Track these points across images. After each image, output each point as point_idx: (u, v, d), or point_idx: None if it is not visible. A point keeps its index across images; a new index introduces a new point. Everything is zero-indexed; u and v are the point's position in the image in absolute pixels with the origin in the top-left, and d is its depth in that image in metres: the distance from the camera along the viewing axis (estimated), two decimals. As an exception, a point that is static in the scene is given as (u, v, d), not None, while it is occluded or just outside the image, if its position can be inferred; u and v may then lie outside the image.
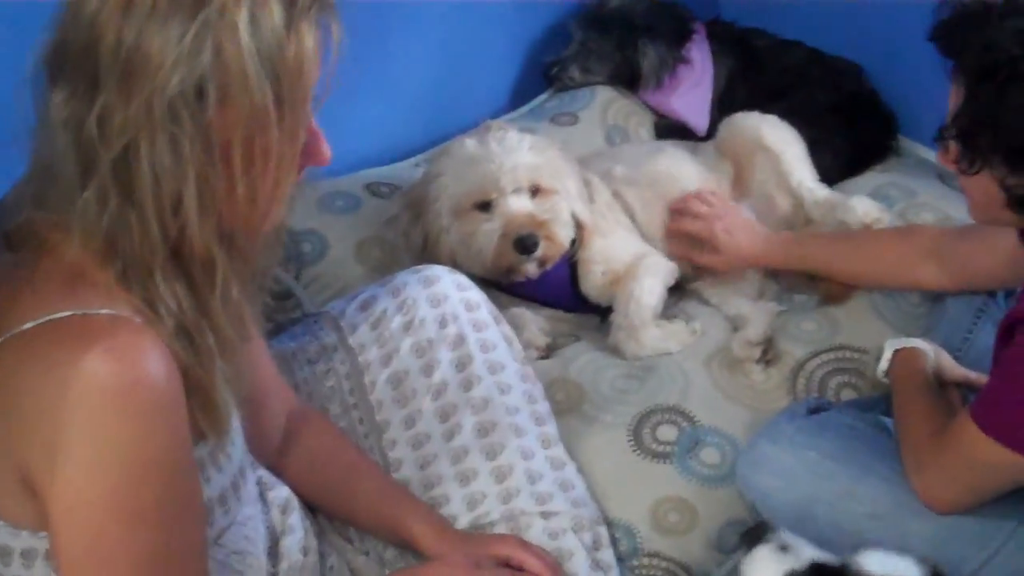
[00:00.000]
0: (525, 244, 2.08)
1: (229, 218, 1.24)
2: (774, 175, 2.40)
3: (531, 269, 2.13)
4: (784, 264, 2.27)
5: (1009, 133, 1.49)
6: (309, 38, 1.20)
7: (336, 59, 1.25)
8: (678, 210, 2.33)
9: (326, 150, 1.33)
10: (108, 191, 1.17)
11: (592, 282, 2.25)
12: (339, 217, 2.34)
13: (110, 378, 1.13)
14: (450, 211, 2.13)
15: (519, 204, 2.10)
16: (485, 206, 2.11)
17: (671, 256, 2.30)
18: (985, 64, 1.49)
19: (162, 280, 1.20)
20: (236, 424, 1.46)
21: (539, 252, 2.10)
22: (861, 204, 2.33)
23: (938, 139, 1.62)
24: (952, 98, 1.58)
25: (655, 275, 2.22)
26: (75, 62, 1.17)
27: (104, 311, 1.18)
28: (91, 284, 1.20)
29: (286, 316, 2.18)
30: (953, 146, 1.57)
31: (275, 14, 1.17)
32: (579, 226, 2.21)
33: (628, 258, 2.25)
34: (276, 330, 2.05)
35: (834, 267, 2.20)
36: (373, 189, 2.42)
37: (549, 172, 2.15)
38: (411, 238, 2.22)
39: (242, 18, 1.15)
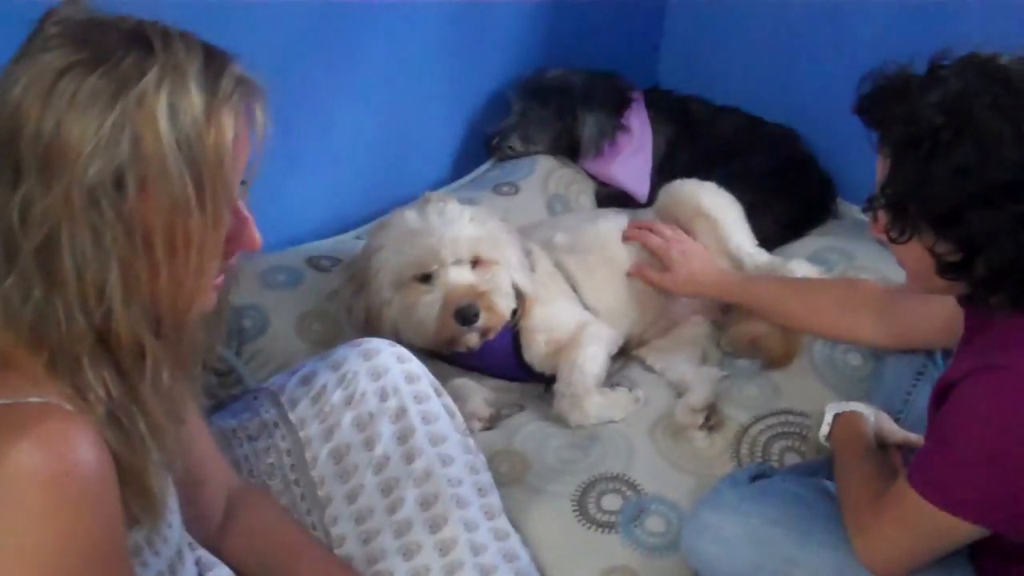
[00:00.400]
0: (465, 315, 2.07)
1: (156, 304, 1.24)
2: (714, 241, 2.42)
3: (473, 340, 2.13)
4: (730, 296, 2.30)
5: (935, 201, 1.50)
6: (229, 126, 1.20)
7: (261, 143, 1.26)
8: (640, 224, 2.38)
9: (255, 236, 1.32)
10: (31, 280, 1.16)
11: (535, 351, 2.25)
12: (280, 292, 2.32)
13: (40, 469, 1.12)
14: (391, 284, 2.13)
15: (459, 275, 2.10)
16: (426, 278, 2.11)
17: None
18: (909, 135, 1.51)
19: (90, 368, 1.19)
20: (173, 505, 1.44)
21: (480, 323, 2.09)
22: (800, 268, 2.38)
23: (867, 209, 1.64)
24: (879, 168, 1.60)
25: (598, 343, 2.23)
26: None
27: (33, 399, 1.17)
28: (19, 371, 1.19)
29: (227, 392, 2.16)
30: (882, 215, 1.59)
31: (195, 102, 1.17)
32: (520, 296, 2.21)
33: (571, 326, 2.25)
34: (216, 407, 2.03)
35: (779, 307, 2.21)
36: (314, 263, 2.41)
37: (489, 243, 2.15)
38: (353, 311, 2.21)
39: (160, 107, 1.15)
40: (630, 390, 2.23)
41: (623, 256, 2.40)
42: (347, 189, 2.67)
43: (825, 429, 1.96)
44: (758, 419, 2.17)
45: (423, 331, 2.11)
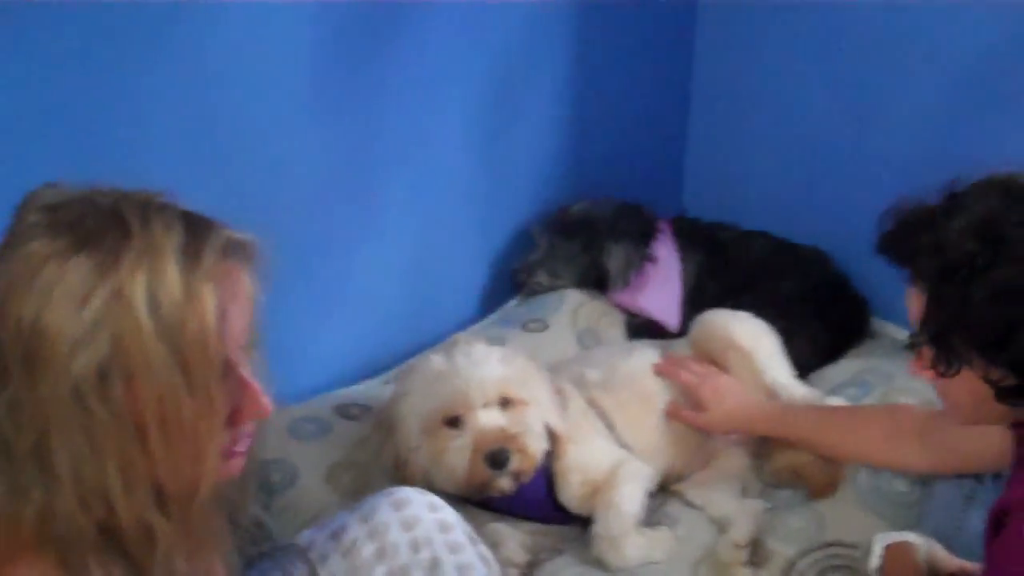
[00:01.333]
0: (497, 459, 2.02)
1: (160, 489, 1.20)
2: (749, 374, 2.37)
3: (506, 484, 2.07)
4: (769, 430, 2.25)
5: (981, 328, 1.46)
6: (211, 306, 1.18)
7: (257, 303, 1.26)
8: (673, 360, 2.34)
9: (264, 404, 1.30)
10: (30, 483, 1.14)
11: (570, 492, 2.19)
12: (309, 443, 2.28)
13: None
14: (419, 430, 2.08)
15: (489, 418, 2.05)
16: (454, 422, 2.06)
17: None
18: (943, 265, 1.48)
19: (96, 564, 1.16)
20: None
21: (512, 466, 2.04)
22: (838, 403, 2.33)
23: (910, 347, 1.60)
24: (913, 304, 1.57)
25: (634, 481, 2.17)
26: None
27: None
28: (31, 571, 1.16)
29: (256, 549, 2.10)
30: (927, 351, 1.55)
31: (173, 286, 1.15)
32: (553, 436, 2.16)
33: (606, 465, 2.20)
34: (246, 565, 1.98)
35: (819, 438, 2.17)
36: (343, 411, 2.38)
37: (519, 383, 2.11)
38: (383, 458, 2.17)
39: (138, 297, 1.14)
40: (670, 528, 2.16)
41: (657, 391, 2.35)
42: (374, 332, 2.64)
43: (875, 561, 1.88)
44: (805, 553, 2.09)
45: (454, 477, 2.06)
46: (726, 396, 2.26)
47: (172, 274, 1.16)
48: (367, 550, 1.83)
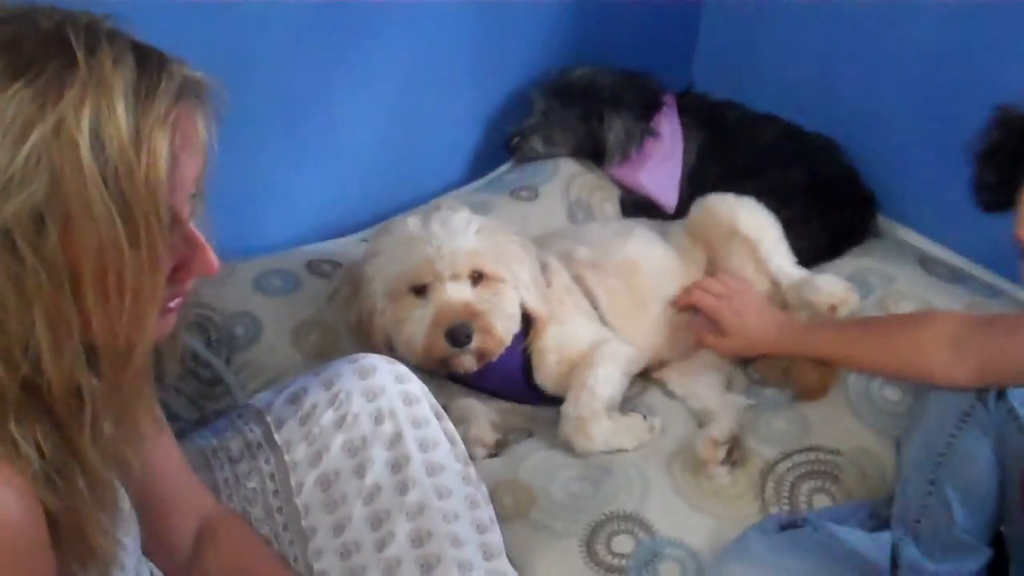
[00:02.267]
0: (456, 336, 1.93)
1: (92, 348, 1.11)
2: (751, 261, 2.27)
3: (468, 363, 1.98)
4: (794, 351, 2.12)
5: None
6: (163, 153, 1.08)
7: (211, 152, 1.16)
8: (693, 285, 2.23)
9: (211, 261, 1.20)
10: None
11: (546, 372, 2.10)
12: (276, 298, 2.18)
13: None
14: (384, 293, 1.99)
15: (456, 292, 1.95)
16: (421, 290, 1.96)
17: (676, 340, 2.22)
18: None
19: (16, 423, 1.07)
20: (129, 543, 1.32)
21: (473, 345, 1.94)
22: (827, 284, 2.23)
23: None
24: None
25: (613, 362, 2.07)
26: None
27: None
28: None
29: (213, 404, 2.03)
30: None
31: (122, 127, 1.04)
32: (531, 317, 2.06)
33: (585, 345, 2.10)
34: (200, 421, 1.90)
35: (843, 354, 2.06)
36: (314, 267, 2.27)
37: (495, 258, 2.00)
38: (348, 318, 2.09)
39: (82, 136, 1.02)
40: (645, 418, 2.06)
41: (649, 287, 2.24)
42: (354, 188, 2.53)
43: None
44: (786, 456, 2.00)
45: (412, 348, 1.97)
46: (747, 316, 2.14)
47: (121, 114, 1.05)
48: (327, 417, 1.75)
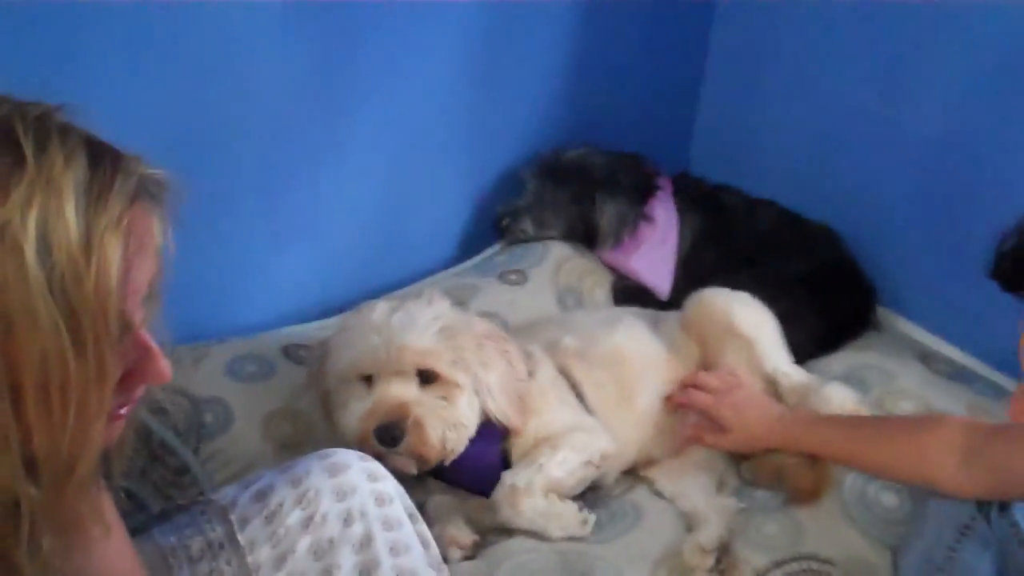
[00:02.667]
0: (382, 435, 1.85)
1: (31, 461, 1.02)
2: (745, 361, 2.20)
3: (404, 464, 1.89)
4: (796, 447, 2.04)
5: None
6: (115, 260, 1.00)
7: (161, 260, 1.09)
8: (685, 382, 2.17)
9: (163, 369, 1.12)
10: None
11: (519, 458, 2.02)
12: (248, 385, 2.11)
13: None
14: (336, 374, 1.92)
15: (397, 389, 1.87)
16: (368, 380, 1.89)
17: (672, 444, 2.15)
18: None
19: None
20: None
21: (401, 448, 1.86)
22: (836, 393, 2.14)
23: None
24: None
25: (574, 450, 1.99)
26: None
27: None
28: None
29: (181, 493, 1.94)
30: None
31: (71, 232, 0.97)
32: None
33: (558, 428, 2.02)
34: (163, 515, 1.80)
35: (846, 454, 1.96)
36: (290, 352, 2.20)
37: (451, 361, 1.91)
38: (315, 390, 2.03)
39: (28, 242, 0.95)
40: (581, 510, 1.96)
41: (637, 380, 2.17)
42: (336, 269, 2.46)
43: None
44: (777, 564, 1.91)
45: (347, 438, 1.89)
46: (745, 411, 2.07)
47: (71, 217, 0.97)
48: (293, 517, 1.65)
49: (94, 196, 1.00)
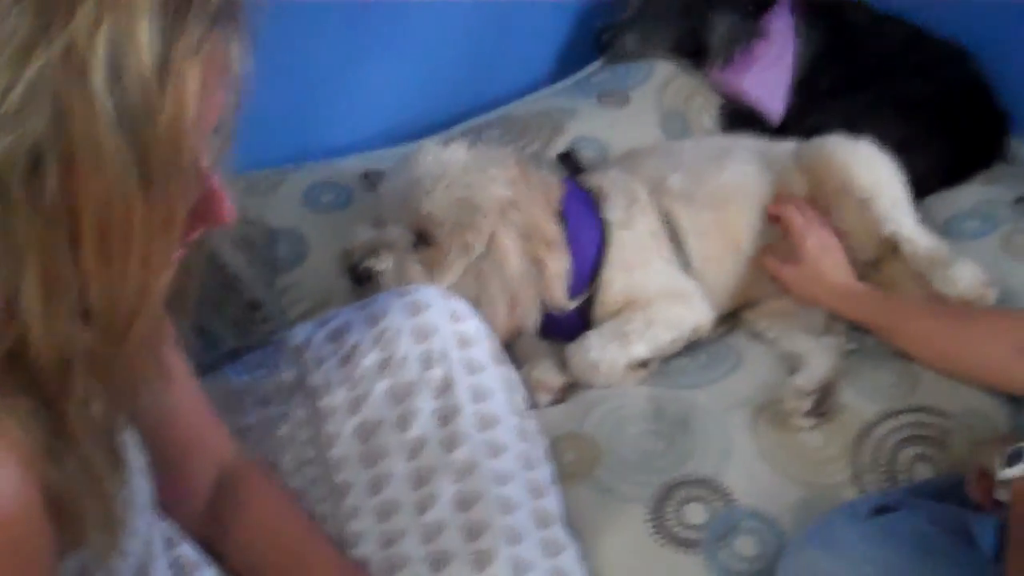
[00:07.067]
0: (355, 271, 1.82)
1: (87, 314, 0.94)
2: (860, 222, 2.00)
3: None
4: (859, 316, 1.90)
5: None
6: (194, 90, 0.89)
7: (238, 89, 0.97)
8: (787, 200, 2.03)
9: (229, 211, 1.03)
10: None
11: (604, 311, 1.93)
12: (325, 214, 2.03)
13: None
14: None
15: (393, 234, 1.81)
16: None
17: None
18: None
19: None
20: (140, 499, 1.19)
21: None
22: (965, 275, 1.89)
23: None
24: None
25: (669, 328, 1.90)
26: None
27: None
28: None
29: (255, 329, 1.89)
30: None
31: (145, 56, 0.86)
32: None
33: (651, 291, 1.92)
34: (235, 353, 1.75)
35: (926, 342, 1.82)
36: (372, 179, 2.09)
37: (454, 224, 1.81)
38: None
39: (96, 65, 0.84)
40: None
41: (742, 224, 2.02)
42: (426, 88, 2.38)
43: (1014, 472, 1.53)
44: (887, 415, 1.77)
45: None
46: (825, 255, 1.93)
47: (144, 40, 0.86)
48: (370, 359, 1.59)
49: (171, 17, 0.88)
